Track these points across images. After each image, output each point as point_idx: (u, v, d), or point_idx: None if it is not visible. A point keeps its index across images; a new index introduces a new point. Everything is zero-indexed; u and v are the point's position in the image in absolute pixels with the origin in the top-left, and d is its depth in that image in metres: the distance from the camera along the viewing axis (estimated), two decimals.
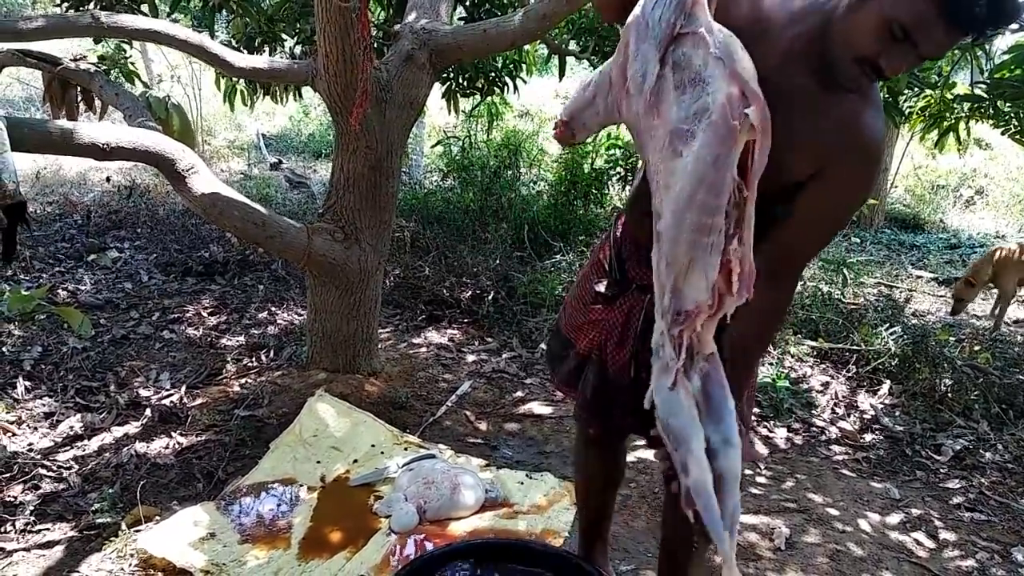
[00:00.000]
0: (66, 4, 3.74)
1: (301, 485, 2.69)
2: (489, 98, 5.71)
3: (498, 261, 4.98)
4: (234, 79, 4.60)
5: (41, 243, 5.11)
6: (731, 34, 1.18)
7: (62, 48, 4.51)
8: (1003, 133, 4.30)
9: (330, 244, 3.14)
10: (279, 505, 2.57)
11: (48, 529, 2.37)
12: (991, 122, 4.28)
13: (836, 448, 3.27)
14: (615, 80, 1.40)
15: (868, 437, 3.35)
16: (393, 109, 3.09)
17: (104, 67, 3.61)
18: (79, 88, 3.53)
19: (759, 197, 1.18)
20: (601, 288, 1.74)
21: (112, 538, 2.29)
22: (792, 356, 4.06)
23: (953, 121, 4.41)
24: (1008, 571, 2.45)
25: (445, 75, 4.73)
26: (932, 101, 4.76)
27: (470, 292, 4.76)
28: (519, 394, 3.61)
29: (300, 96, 5.56)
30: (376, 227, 3.24)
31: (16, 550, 2.26)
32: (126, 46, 4.09)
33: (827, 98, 1.27)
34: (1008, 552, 2.56)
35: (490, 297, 4.62)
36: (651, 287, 1.37)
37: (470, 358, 4.03)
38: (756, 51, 1.17)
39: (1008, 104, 3.92)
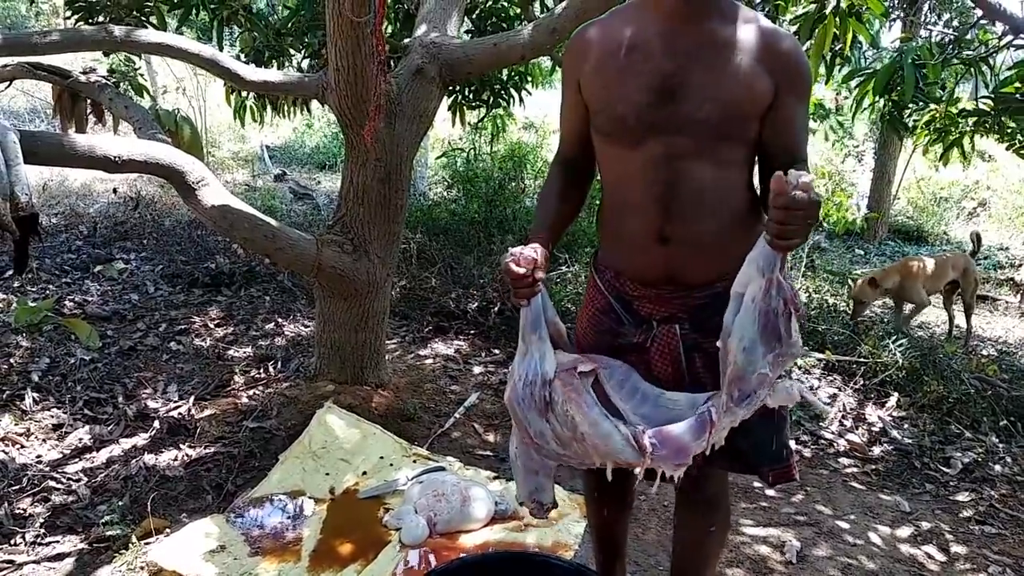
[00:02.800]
0: (75, 16, 3.76)
1: (310, 497, 2.69)
2: (495, 110, 5.73)
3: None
4: (244, 94, 4.61)
5: (47, 254, 5.12)
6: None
7: (68, 60, 4.53)
8: (1008, 148, 4.32)
9: (339, 256, 3.14)
10: (289, 517, 2.57)
11: (58, 542, 2.37)
12: (996, 137, 4.29)
13: (845, 461, 3.27)
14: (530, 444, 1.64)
15: (877, 450, 3.34)
16: (403, 122, 3.10)
17: (114, 80, 3.63)
18: (89, 100, 3.55)
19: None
20: (633, 339, 1.64)
21: (122, 550, 2.29)
22: (800, 368, 4.05)
23: (958, 135, 4.42)
24: None
25: (452, 88, 4.75)
26: (937, 116, 4.78)
27: (476, 303, 4.76)
28: None
29: (308, 111, 5.58)
30: (385, 239, 3.25)
31: (26, 563, 2.25)
32: (135, 58, 4.12)
33: (742, 34, 1.48)
34: (1020, 566, 2.55)
35: (496, 308, 4.62)
36: (674, 318, 1.58)
37: (477, 369, 4.03)
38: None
39: (1013, 119, 3.94)
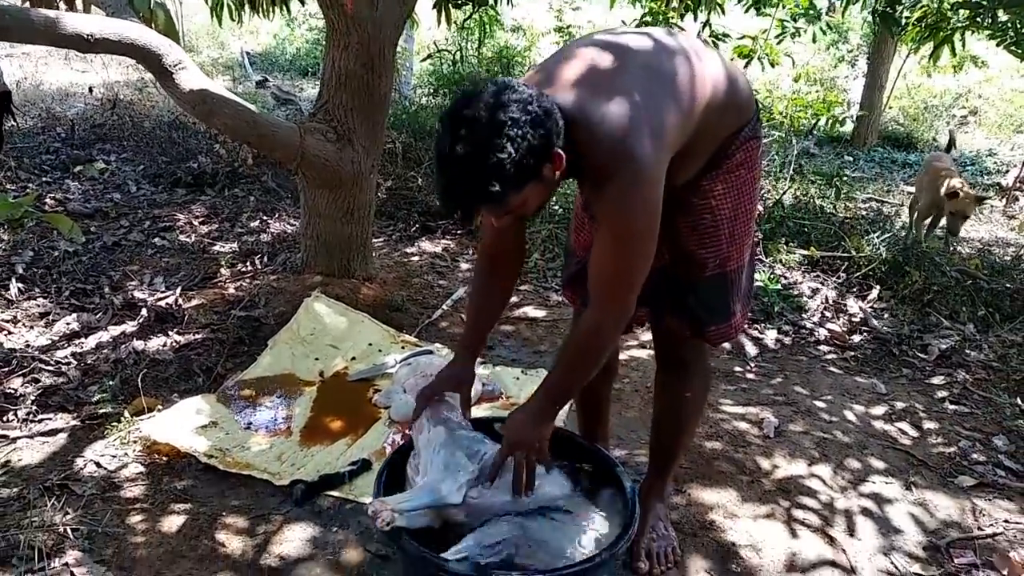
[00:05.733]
0: None
1: (300, 380, 2.73)
2: (481, 10, 5.55)
3: None
4: None
5: (25, 155, 5.01)
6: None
7: None
8: (999, 44, 4.23)
9: (323, 144, 3.09)
10: (279, 397, 2.61)
11: (50, 419, 2.40)
12: (987, 33, 4.21)
13: (824, 348, 3.33)
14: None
15: (856, 338, 3.41)
16: (385, 2, 3.00)
17: None
18: None
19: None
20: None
21: (115, 424, 2.32)
22: (783, 264, 4.09)
23: (949, 31, 4.33)
24: (988, 457, 2.53)
25: None
26: (929, 11, 4.68)
27: None
28: (513, 299, 3.62)
29: (287, 9, 5.38)
30: (369, 128, 3.19)
31: (20, 437, 2.28)
32: None
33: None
34: (989, 440, 2.65)
35: None
36: None
37: (464, 266, 4.04)
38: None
39: (1007, 11, 3.85)
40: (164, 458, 2.23)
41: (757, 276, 3.76)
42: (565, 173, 1.40)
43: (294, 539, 1.94)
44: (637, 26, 4.20)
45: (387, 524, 1.48)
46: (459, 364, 1.83)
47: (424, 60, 7.64)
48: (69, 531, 1.88)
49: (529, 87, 1.33)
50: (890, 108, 8.60)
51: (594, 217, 1.57)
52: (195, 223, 4.22)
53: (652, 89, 1.42)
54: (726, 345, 3.29)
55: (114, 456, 2.23)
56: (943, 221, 4.55)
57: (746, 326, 3.32)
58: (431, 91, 7.31)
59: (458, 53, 6.94)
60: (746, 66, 4.74)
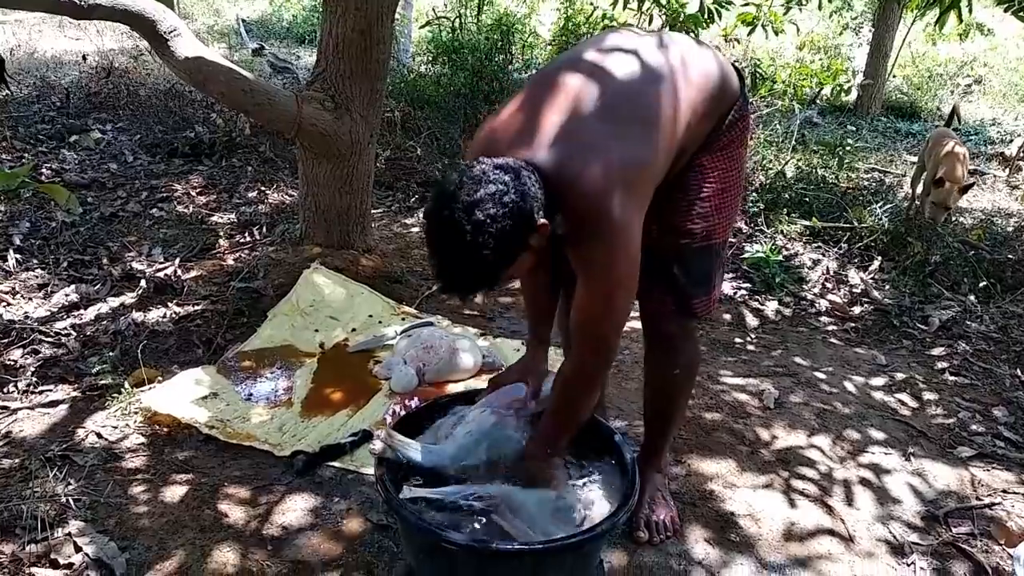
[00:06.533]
0: None
1: (300, 351, 2.73)
2: None
3: None
4: None
5: (20, 124, 4.96)
6: None
7: None
8: (1007, 10, 4.16)
9: (320, 113, 3.05)
10: (279, 369, 2.61)
11: (51, 390, 2.40)
12: None
13: (825, 319, 3.33)
14: None
15: (857, 309, 3.40)
16: None
17: None
18: None
19: None
20: None
21: (115, 395, 2.32)
22: (784, 235, 4.07)
23: None
24: (988, 428, 2.54)
25: None
26: None
27: None
28: None
29: None
30: (367, 96, 3.15)
31: (20, 408, 2.28)
32: None
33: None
34: (989, 411, 2.65)
35: None
36: None
37: None
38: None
39: None
40: (165, 429, 2.23)
41: (757, 247, 3.75)
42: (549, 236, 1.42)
43: (296, 509, 1.95)
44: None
45: (381, 451, 1.55)
46: (529, 355, 1.91)
47: (423, 27, 7.52)
48: (71, 501, 1.88)
49: (501, 170, 1.33)
50: (894, 77, 8.52)
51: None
52: (193, 193, 4.19)
53: (633, 132, 1.45)
54: (727, 316, 3.29)
55: (115, 427, 2.23)
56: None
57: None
58: (430, 59, 7.21)
59: (457, 20, 6.82)
60: (749, 34, 4.68)
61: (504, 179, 1.32)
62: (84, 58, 6.35)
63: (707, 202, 1.68)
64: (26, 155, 4.46)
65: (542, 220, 1.35)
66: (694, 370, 1.98)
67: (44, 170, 4.24)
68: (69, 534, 1.78)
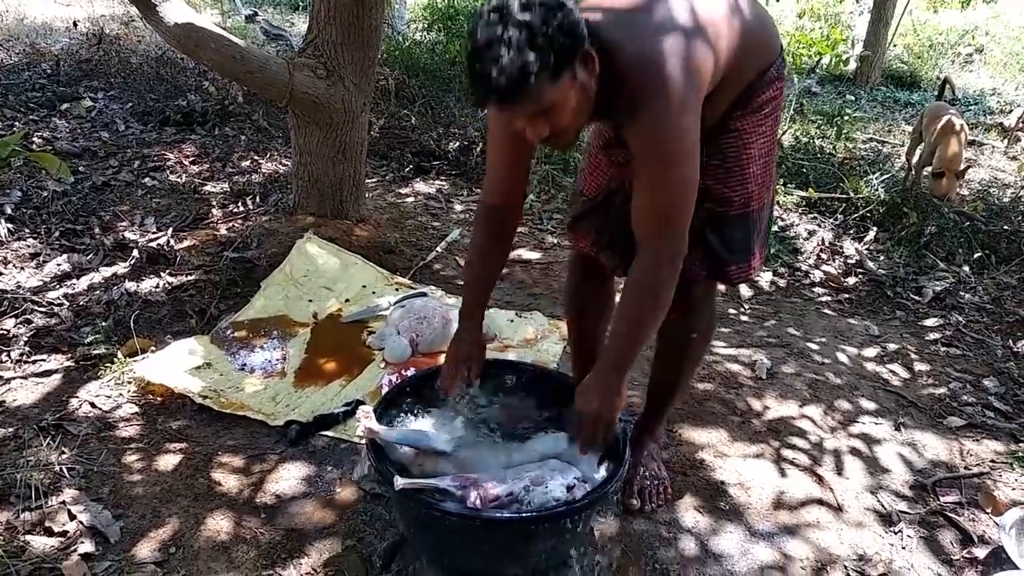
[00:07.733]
0: None
1: (294, 321, 2.73)
2: None
3: (486, 112, 4.85)
4: None
5: (11, 91, 4.90)
6: None
7: None
8: None
9: (312, 81, 3.02)
10: (273, 339, 2.61)
11: (44, 360, 2.40)
12: None
13: (819, 290, 3.33)
14: None
15: (851, 280, 3.40)
16: None
17: None
18: None
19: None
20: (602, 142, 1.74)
21: (108, 365, 2.33)
22: (780, 205, 4.06)
23: None
24: (978, 398, 2.56)
25: None
26: None
27: (458, 143, 4.67)
28: None
29: None
30: (360, 64, 3.12)
31: (13, 378, 2.29)
32: None
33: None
34: (979, 381, 2.67)
35: (479, 149, 4.54)
36: None
37: (458, 207, 4.00)
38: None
39: None
40: (158, 399, 2.24)
41: None
42: (597, 93, 1.36)
43: (289, 478, 1.96)
44: None
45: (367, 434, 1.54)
46: (466, 339, 1.73)
47: None
48: (65, 470, 1.89)
49: None
50: (894, 46, 8.43)
51: (624, 160, 1.53)
52: (185, 162, 4.16)
53: (687, 28, 1.40)
54: (720, 287, 3.29)
55: (108, 397, 2.24)
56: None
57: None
58: (425, 26, 7.12)
59: None
60: None
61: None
62: (75, 24, 6.26)
63: (745, 168, 1.64)
64: (16, 123, 4.41)
65: (592, 50, 1.32)
66: (710, 335, 1.95)
67: (35, 139, 4.19)
68: (63, 502, 1.79)
